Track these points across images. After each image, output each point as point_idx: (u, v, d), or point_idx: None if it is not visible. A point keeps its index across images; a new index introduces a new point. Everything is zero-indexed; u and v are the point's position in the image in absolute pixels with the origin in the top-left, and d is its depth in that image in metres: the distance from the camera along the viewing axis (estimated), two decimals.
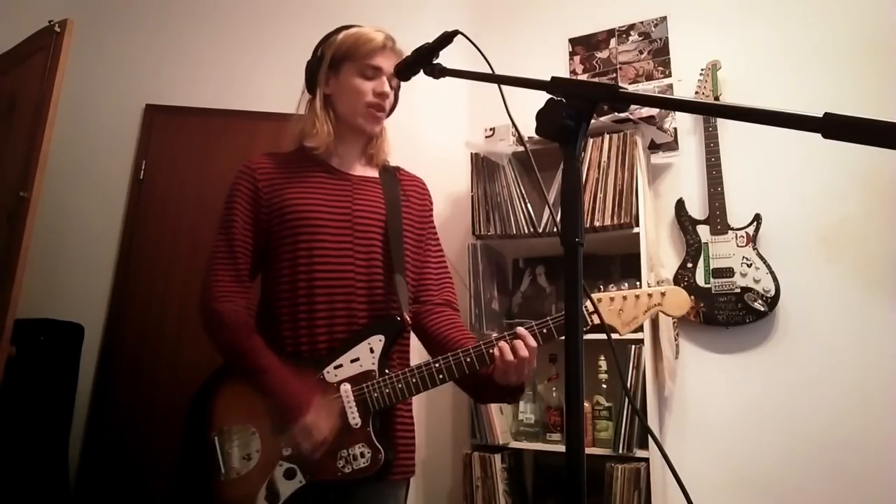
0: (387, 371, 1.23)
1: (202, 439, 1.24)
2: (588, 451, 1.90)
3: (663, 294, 1.19)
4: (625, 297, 1.19)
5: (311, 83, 1.39)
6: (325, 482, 1.19)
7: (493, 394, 1.24)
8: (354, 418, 1.19)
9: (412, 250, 1.38)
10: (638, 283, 1.23)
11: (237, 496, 1.20)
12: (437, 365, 1.20)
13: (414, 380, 1.20)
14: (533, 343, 1.17)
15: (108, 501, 2.36)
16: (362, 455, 1.18)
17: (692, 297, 2.11)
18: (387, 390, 1.20)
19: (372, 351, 1.23)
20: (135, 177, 2.71)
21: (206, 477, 1.22)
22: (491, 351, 1.18)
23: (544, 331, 1.19)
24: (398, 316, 1.27)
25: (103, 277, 2.61)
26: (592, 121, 0.75)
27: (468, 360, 1.19)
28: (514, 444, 2.12)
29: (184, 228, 2.60)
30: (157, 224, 2.64)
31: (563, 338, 1.16)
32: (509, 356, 1.15)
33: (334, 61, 1.35)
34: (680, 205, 2.22)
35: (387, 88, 1.34)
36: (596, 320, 1.17)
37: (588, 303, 1.16)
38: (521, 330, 1.18)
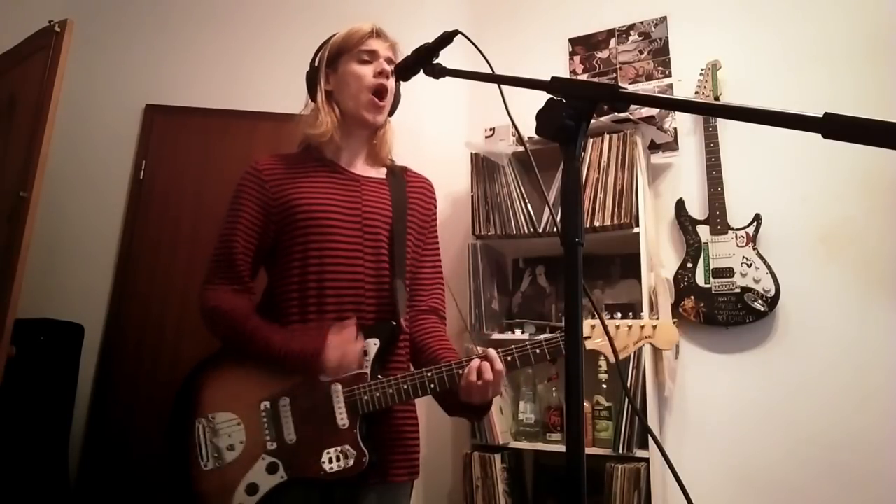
0: (379, 375, 1.23)
1: (186, 424, 1.24)
2: (588, 451, 1.90)
3: (654, 327, 1.23)
4: (617, 327, 1.24)
5: (312, 89, 1.41)
6: (307, 479, 1.19)
7: (459, 409, 1.24)
8: (342, 419, 1.19)
9: (411, 255, 1.39)
10: (630, 314, 1.28)
11: (217, 486, 1.19)
12: (429, 374, 1.20)
13: (405, 386, 1.20)
14: (500, 367, 1.17)
15: (109, 501, 2.36)
16: (346, 456, 1.18)
17: (691, 296, 2.11)
18: (377, 394, 1.20)
19: (366, 354, 1.23)
20: (135, 177, 2.71)
21: (187, 465, 1.22)
22: (460, 371, 1.18)
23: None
24: (394, 321, 1.28)
25: (103, 277, 2.61)
26: (592, 121, 0.75)
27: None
28: (514, 444, 2.12)
29: (184, 228, 2.60)
30: (157, 224, 2.64)
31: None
32: (473, 377, 1.16)
33: (330, 59, 1.38)
34: (680, 205, 2.22)
35: (386, 67, 1.36)
36: (588, 346, 1.20)
37: (586, 328, 1.18)
38: (490, 352, 1.18)
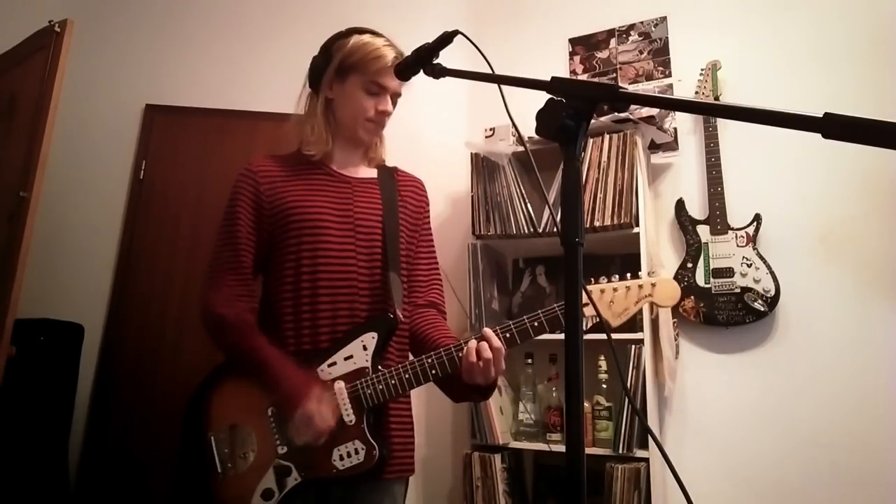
0: (380, 368, 1.24)
1: (199, 438, 1.25)
2: (588, 451, 1.90)
3: (653, 285, 1.19)
4: (615, 289, 1.20)
5: (314, 81, 1.40)
6: (321, 479, 1.20)
7: (464, 392, 1.25)
8: (348, 415, 1.20)
9: (405, 250, 1.40)
10: (629, 274, 1.23)
11: (234, 494, 1.21)
12: (429, 360, 1.21)
13: (406, 376, 1.21)
14: (497, 344, 1.17)
15: (108, 501, 2.36)
16: (357, 452, 1.19)
17: (691, 296, 2.11)
18: (380, 387, 1.21)
19: (365, 348, 1.24)
20: (135, 177, 2.70)
21: (203, 475, 1.24)
22: (460, 354, 1.19)
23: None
24: (391, 313, 1.29)
25: (103, 277, 2.61)
26: (592, 121, 0.75)
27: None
28: (514, 444, 2.12)
29: (184, 228, 2.60)
30: (157, 224, 2.64)
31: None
32: (473, 357, 1.16)
33: (342, 68, 1.35)
34: (680, 205, 2.22)
35: (389, 108, 1.37)
36: (588, 312, 1.17)
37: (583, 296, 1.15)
38: (486, 331, 1.19)
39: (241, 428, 1.24)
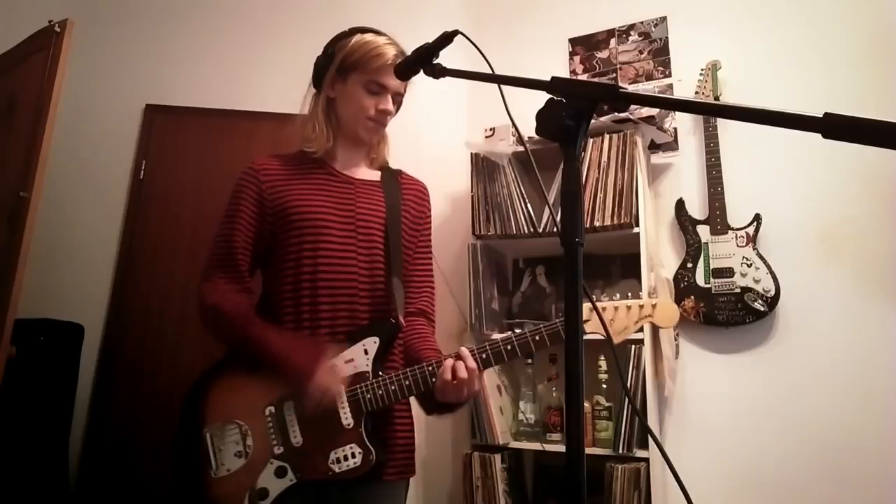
0: (381, 373, 1.24)
1: (194, 434, 1.25)
2: (588, 451, 1.90)
3: (654, 306, 1.22)
4: (616, 308, 1.23)
5: (317, 80, 1.41)
6: (315, 481, 1.20)
7: (435, 408, 1.26)
8: (347, 419, 1.20)
9: (406, 254, 1.40)
10: (629, 294, 1.25)
11: (227, 492, 1.21)
12: (430, 368, 1.21)
13: (407, 382, 1.21)
14: (472, 365, 1.18)
15: (108, 501, 2.36)
16: (353, 455, 1.19)
17: (691, 296, 2.11)
18: (380, 392, 1.21)
19: (366, 352, 1.24)
20: (135, 177, 2.71)
21: (197, 472, 1.23)
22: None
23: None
24: (393, 318, 1.29)
25: (103, 277, 2.61)
26: (592, 121, 0.75)
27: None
28: (514, 444, 2.12)
29: (184, 228, 2.60)
30: (157, 224, 2.64)
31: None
32: (448, 376, 1.17)
33: (343, 67, 1.36)
34: (680, 205, 2.22)
35: (390, 106, 1.36)
36: (588, 329, 1.18)
37: (584, 310, 1.17)
38: (463, 350, 1.20)
39: (238, 426, 1.23)
